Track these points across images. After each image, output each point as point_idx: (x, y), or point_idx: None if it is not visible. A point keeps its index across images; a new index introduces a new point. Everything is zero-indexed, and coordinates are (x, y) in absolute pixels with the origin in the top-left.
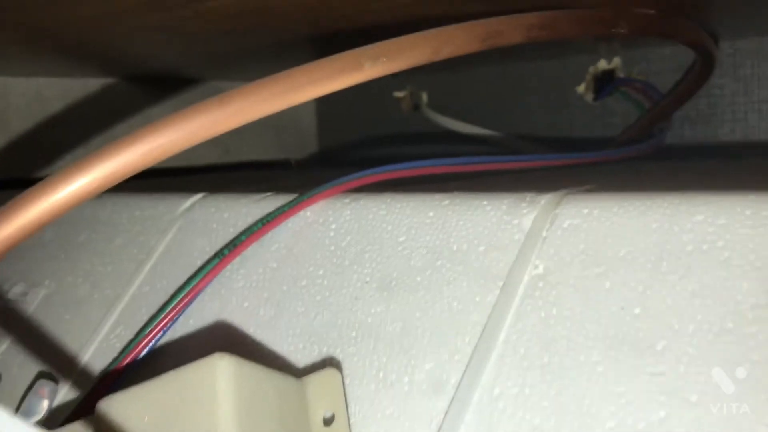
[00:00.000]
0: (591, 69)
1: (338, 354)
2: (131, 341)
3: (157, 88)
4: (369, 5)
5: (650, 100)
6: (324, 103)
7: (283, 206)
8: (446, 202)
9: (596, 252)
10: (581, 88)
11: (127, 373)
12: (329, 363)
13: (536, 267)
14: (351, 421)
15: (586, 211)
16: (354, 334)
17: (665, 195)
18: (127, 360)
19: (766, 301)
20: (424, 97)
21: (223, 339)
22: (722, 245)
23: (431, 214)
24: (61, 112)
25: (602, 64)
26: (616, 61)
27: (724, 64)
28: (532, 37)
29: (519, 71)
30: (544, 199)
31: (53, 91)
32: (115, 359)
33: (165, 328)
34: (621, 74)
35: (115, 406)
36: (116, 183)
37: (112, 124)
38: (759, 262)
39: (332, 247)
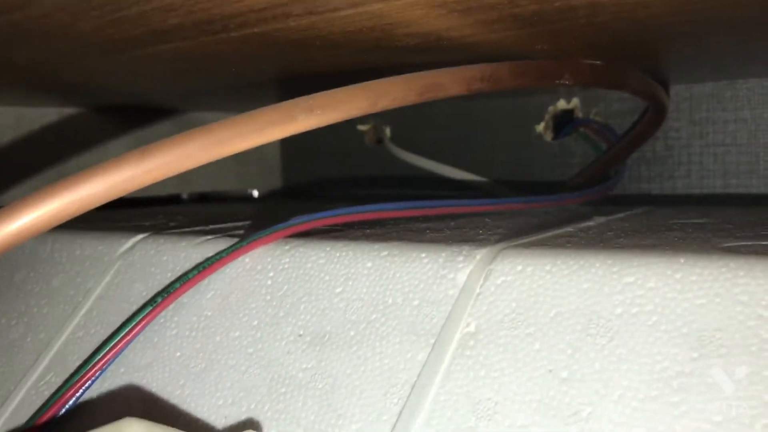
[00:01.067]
0: (550, 108)
1: (267, 410)
2: (54, 394)
3: (121, 118)
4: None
5: (607, 142)
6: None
7: (221, 252)
8: (385, 252)
9: (527, 311)
10: (540, 127)
11: (47, 427)
12: (249, 425)
13: (468, 325)
14: None
15: (519, 267)
16: (284, 390)
17: (599, 254)
18: (47, 415)
19: (691, 369)
20: (388, 131)
21: (147, 394)
22: (651, 309)
23: (369, 264)
24: (17, 140)
25: (561, 104)
26: (575, 102)
27: (681, 107)
28: (473, 89)
29: (481, 108)
30: (480, 254)
31: (7, 120)
32: (37, 413)
33: (92, 379)
34: (580, 114)
35: None
36: (40, 231)
37: (72, 155)
38: (685, 328)
39: (268, 297)
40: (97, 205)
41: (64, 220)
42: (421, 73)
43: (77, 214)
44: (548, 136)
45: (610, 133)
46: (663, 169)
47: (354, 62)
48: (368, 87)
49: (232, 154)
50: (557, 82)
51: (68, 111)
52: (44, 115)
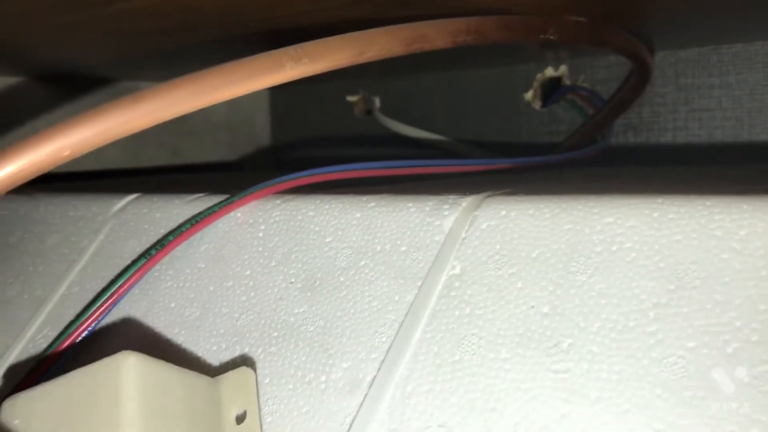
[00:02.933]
0: (538, 76)
1: (259, 354)
2: (54, 341)
3: (66, 87)
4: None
5: (595, 109)
6: (278, 106)
7: (213, 206)
8: (372, 203)
9: (511, 252)
10: (529, 96)
11: (47, 373)
12: (244, 362)
13: (454, 267)
14: (268, 419)
15: (503, 213)
16: (276, 334)
17: (580, 198)
18: (48, 361)
19: (668, 300)
20: (377, 102)
21: (144, 339)
22: (630, 246)
23: (358, 215)
24: None
25: (549, 72)
26: (563, 69)
27: (666, 73)
28: (459, 42)
29: (469, 78)
30: (466, 202)
31: None
32: (37, 360)
33: (90, 328)
34: (567, 82)
35: (20, 404)
36: (22, 182)
37: (17, 125)
38: (663, 262)
39: (260, 248)
40: (91, 149)
41: (60, 163)
42: (408, 24)
43: (71, 158)
44: (536, 104)
45: (597, 99)
46: (649, 135)
47: (341, 15)
48: (355, 37)
49: (222, 101)
50: (542, 37)
51: (14, 80)
52: None
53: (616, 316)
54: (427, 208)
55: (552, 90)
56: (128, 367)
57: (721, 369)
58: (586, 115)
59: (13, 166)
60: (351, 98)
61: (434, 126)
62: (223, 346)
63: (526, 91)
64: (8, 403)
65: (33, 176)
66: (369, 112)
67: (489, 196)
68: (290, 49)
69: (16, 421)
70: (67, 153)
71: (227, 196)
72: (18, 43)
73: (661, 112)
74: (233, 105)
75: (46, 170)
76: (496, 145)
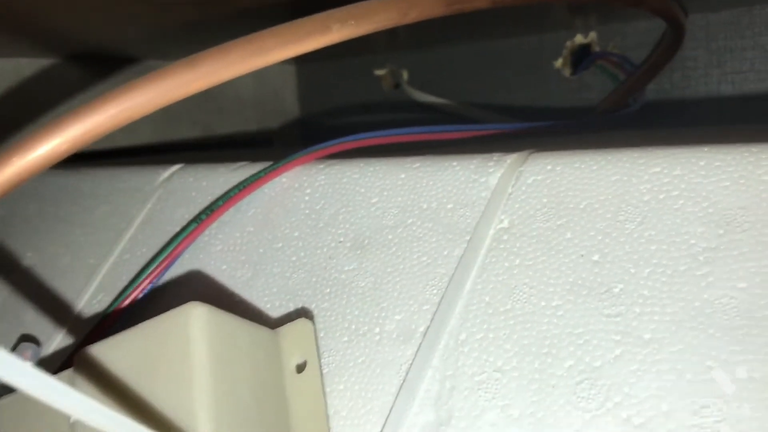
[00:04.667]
0: (568, 44)
1: (313, 309)
2: (113, 301)
3: (96, 67)
4: None
5: (626, 73)
6: (306, 81)
7: (258, 172)
8: (417, 164)
9: (558, 205)
10: (559, 63)
11: (109, 331)
12: (302, 314)
13: (501, 221)
14: (325, 370)
15: (549, 167)
16: (328, 290)
17: (625, 150)
18: (109, 320)
19: (717, 244)
20: (405, 75)
21: (202, 295)
22: (677, 194)
23: (403, 176)
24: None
25: (579, 39)
26: (592, 36)
27: (697, 36)
28: (498, 2)
29: (498, 47)
30: (510, 158)
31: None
32: (99, 318)
33: (145, 290)
34: (597, 48)
35: (95, 354)
36: (88, 144)
37: (53, 105)
38: (711, 208)
39: (307, 211)
40: (149, 112)
41: (121, 125)
42: None
43: (131, 119)
44: (567, 72)
45: (628, 63)
46: (682, 99)
47: None
48: None
49: (271, 63)
50: None
51: (41, 62)
52: (20, 65)
53: (667, 261)
54: (472, 166)
55: (582, 57)
56: (196, 316)
57: None
58: (617, 79)
59: (80, 127)
60: (379, 72)
61: (463, 97)
62: (277, 303)
63: (556, 59)
64: (81, 354)
65: (96, 138)
66: (397, 85)
67: (533, 152)
68: (336, 12)
69: (90, 370)
70: (128, 114)
71: (271, 162)
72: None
73: (692, 75)
74: (261, 81)
75: (108, 132)
76: (527, 113)
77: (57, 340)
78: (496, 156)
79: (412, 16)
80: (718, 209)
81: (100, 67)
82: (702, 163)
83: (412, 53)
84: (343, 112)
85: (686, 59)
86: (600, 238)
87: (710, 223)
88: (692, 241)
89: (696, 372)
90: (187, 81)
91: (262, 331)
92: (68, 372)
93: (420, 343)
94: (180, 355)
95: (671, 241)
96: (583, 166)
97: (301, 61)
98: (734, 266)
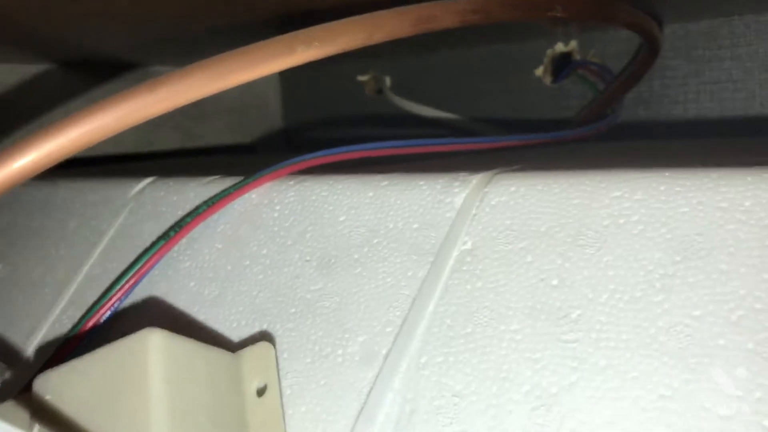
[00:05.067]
0: (549, 52)
1: (278, 329)
2: (79, 321)
3: (94, 73)
4: None
5: (605, 83)
6: (289, 87)
7: (228, 188)
8: (385, 182)
9: (521, 227)
10: (539, 71)
11: (73, 352)
12: (263, 337)
13: (465, 243)
14: (287, 392)
15: (513, 189)
16: (293, 310)
17: (588, 173)
18: (74, 340)
19: (674, 271)
20: (388, 81)
21: (165, 317)
22: (636, 219)
23: (371, 194)
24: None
25: (560, 47)
26: (573, 44)
27: (676, 46)
28: (466, 21)
29: (480, 55)
30: (476, 179)
31: None
32: (64, 339)
33: (113, 308)
34: (578, 57)
35: (54, 379)
36: (52, 164)
37: (47, 111)
38: (669, 234)
39: (275, 228)
40: (111, 134)
41: (79, 150)
42: (416, 5)
43: (91, 144)
44: (547, 80)
45: (607, 73)
46: (660, 108)
47: None
48: (365, 19)
49: (234, 86)
50: (549, 14)
51: (32, 69)
52: (18, 71)
53: (624, 287)
54: (438, 186)
55: (563, 65)
56: (154, 342)
57: (725, 333)
58: (596, 89)
59: (35, 154)
60: (362, 78)
61: (445, 104)
62: (243, 322)
63: (537, 67)
64: (40, 379)
65: (56, 162)
66: (380, 91)
67: (498, 173)
68: (300, 33)
69: (48, 396)
70: (87, 139)
71: (242, 177)
72: (42, 30)
73: (671, 84)
74: (245, 87)
75: (67, 156)
76: (507, 121)
77: (25, 356)
78: (461, 176)
79: (378, 36)
80: (676, 235)
81: (98, 73)
82: (662, 188)
83: (395, 60)
84: (327, 118)
85: (666, 68)
86: (560, 262)
87: (668, 249)
88: (650, 267)
89: (649, 400)
90: (147, 105)
91: (222, 355)
92: (27, 395)
93: (381, 366)
94: (136, 381)
95: (629, 266)
96: (545, 189)
97: None
98: (689, 294)
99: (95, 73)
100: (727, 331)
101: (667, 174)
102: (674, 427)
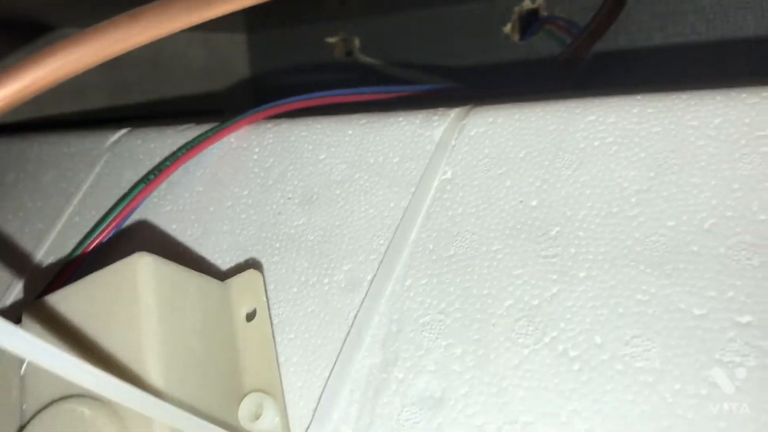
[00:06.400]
0: (516, 9)
1: (263, 263)
2: (62, 265)
3: (4, 36)
4: None
5: (572, 37)
6: (257, 51)
7: (206, 132)
8: (364, 120)
9: (499, 155)
10: (507, 28)
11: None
12: (251, 265)
13: (445, 173)
14: (276, 321)
15: (491, 119)
16: (278, 245)
17: (563, 101)
18: (56, 283)
19: (648, 186)
20: (357, 42)
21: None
22: (611, 141)
23: (350, 132)
24: None
25: (527, 4)
26: (540, 1)
27: (642, 1)
28: None
29: (448, 13)
30: (454, 113)
31: None
32: (40, 291)
33: (95, 250)
34: (545, 13)
35: (45, 306)
36: (32, 95)
37: None
38: (643, 153)
39: (256, 169)
40: (89, 67)
41: (61, 81)
42: None
43: (71, 75)
44: (515, 37)
45: (574, 28)
46: (625, 62)
47: None
48: None
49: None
50: None
51: None
52: None
53: (601, 204)
54: (417, 121)
55: (530, 22)
56: (144, 265)
57: (699, 240)
58: (564, 44)
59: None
60: (331, 40)
61: (415, 64)
62: (228, 259)
63: (505, 24)
64: (29, 308)
65: (33, 94)
66: (349, 53)
67: (475, 106)
68: None
69: (39, 326)
70: (68, 69)
71: (218, 123)
72: None
73: (636, 39)
74: (212, 51)
75: (45, 88)
76: (477, 79)
77: (7, 301)
78: (440, 111)
79: None
80: (649, 153)
81: (11, 35)
82: (635, 111)
83: (364, 21)
84: (296, 81)
85: (630, 23)
86: (538, 184)
87: (642, 167)
88: (625, 185)
89: (627, 306)
90: (130, 35)
91: (210, 282)
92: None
93: (367, 291)
94: (128, 303)
95: (605, 185)
96: (522, 118)
97: (252, 29)
98: (664, 206)
99: (6, 36)
100: (700, 238)
101: (639, 97)
102: (651, 328)
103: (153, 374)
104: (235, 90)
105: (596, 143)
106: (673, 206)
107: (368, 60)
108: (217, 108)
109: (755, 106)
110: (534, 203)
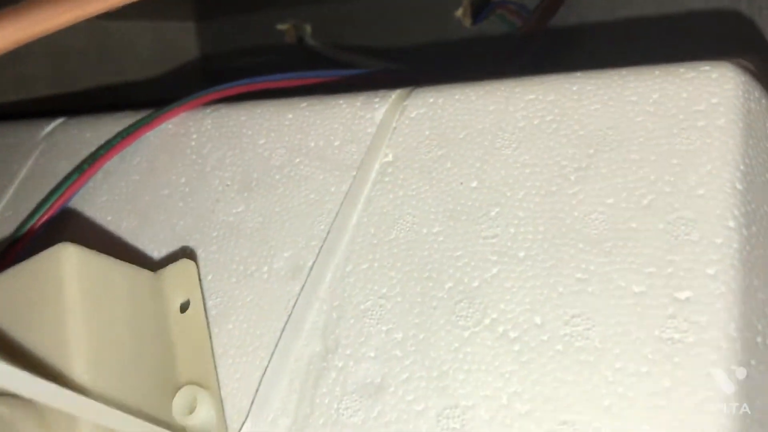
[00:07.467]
0: None
1: (201, 253)
2: None
3: None
4: None
5: (522, 21)
6: (207, 40)
7: (142, 119)
8: (304, 104)
9: (440, 136)
10: (459, 13)
11: None
12: (184, 255)
13: (386, 155)
14: (213, 312)
15: (431, 100)
16: (215, 233)
17: (504, 81)
18: None
19: (587, 164)
20: (308, 29)
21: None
22: (551, 119)
23: (290, 116)
24: None
25: None
26: None
27: None
28: None
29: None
30: (395, 94)
31: None
32: None
33: (27, 245)
34: None
35: None
36: None
37: None
38: (582, 130)
39: (193, 156)
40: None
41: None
42: None
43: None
44: (467, 22)
45: (524, 11)
46: (574, 43)
47: None
48: None
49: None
50: None
51: None
52: None
53: (540, 183)
54: (358, 103)
55: (482, 6)
56: (67, 256)
57: (638, 217)
58: (515, 27)
59: None
60: (281, 26)
61: (368, 49)
62: (164, 250)
63: (457, 9)
64: None
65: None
66: (301, 39)
67: (417, 88)
68: None
69: None
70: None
71: (155, 109)
72: None
73: (587, 17)
74: (161, 40)
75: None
76: (428, 63)
77: None
78: (381, 93)
79: None
80: (588, 131)
81: None
82: (575, 88)
83: (315, 6)
84: (246, 69)
85: (580, 5)
86: (478, 165)
87: (581, 144)
88: (564, 163)
89: (567, 284)
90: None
91: (140, 273)
92: None
93: (307, 278)
94: (52, 296)
95: (544, 164)
96: (463, 98)
97: (202, 17)
98: (602, 183)
99: None
100: (639, 215)
101: (578, 74)
102: (590, 305)
103: (77, 370)
104: (186, 78)
105: (536, 122)
106: (612, 183)
107: (319, 46)
108: (167, 98)
109: (693, 80)
110: (474, 184)
